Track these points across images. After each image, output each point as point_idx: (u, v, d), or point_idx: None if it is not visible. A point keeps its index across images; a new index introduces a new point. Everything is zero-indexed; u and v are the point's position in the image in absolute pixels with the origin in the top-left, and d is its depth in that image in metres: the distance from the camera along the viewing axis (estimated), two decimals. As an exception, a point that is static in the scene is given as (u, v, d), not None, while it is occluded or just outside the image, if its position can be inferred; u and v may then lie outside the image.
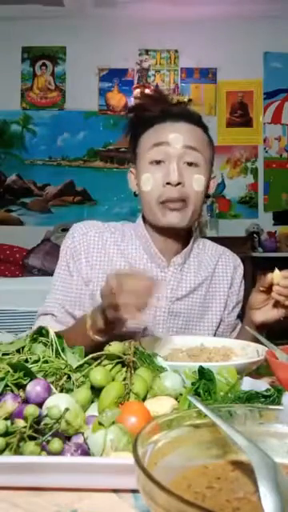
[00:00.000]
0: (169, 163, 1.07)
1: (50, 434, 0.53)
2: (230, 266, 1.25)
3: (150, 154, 1.10)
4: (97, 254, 1.14)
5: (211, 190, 1.18)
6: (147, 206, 1.11)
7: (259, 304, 1.06)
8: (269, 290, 1.03)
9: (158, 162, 1.09)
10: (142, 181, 1.11)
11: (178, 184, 1.06)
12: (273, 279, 1.00)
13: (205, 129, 1.15)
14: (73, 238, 1.15)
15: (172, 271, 1.15)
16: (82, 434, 0.57)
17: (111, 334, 0.91)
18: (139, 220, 1.19)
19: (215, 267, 1.22)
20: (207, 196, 1.16)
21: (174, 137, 1.08)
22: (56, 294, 1.14)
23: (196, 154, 1.09)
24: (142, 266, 1.14)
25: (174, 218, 1.08)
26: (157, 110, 1.13)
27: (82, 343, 0.82)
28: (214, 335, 1.19)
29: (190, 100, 4.51)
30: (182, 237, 1.17)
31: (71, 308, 1.13)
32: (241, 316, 1.26)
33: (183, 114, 1.13)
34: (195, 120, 1.13)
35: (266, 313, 1.06)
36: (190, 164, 1.09)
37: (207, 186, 1.14)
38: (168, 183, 1.06)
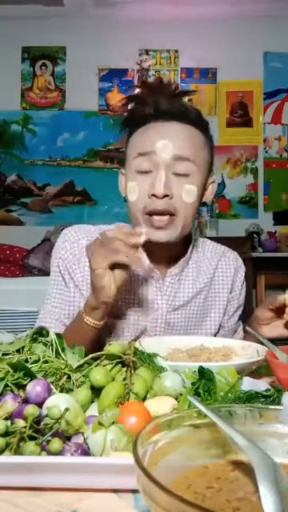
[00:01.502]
0: (156, 173, 0.98)
1: (50, 434, 0.53)
2: (231, 268, 1.19)
3: (135, 162, 1.01)
4: (88, 262, 1.09)
5: (210, 196, 1.10)
6: (133, 216, 1.04)
7: (266, 320, 1.05)
8: (278, 310, 1.02)
9: (145, 172, 1.00)
10: (127, 189, 1.04)
11: (165, 196, 0.97)
12: (285, 300, 0.99)
13: (203, 127, 1.05)
14: (64, 248, 1.10)
15: (169, 281, 1.10)
16: (82, 434, 0.57)
17: (106, 311, 0.94)
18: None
19: (215, 271, 1.18)
20: (203, 204, 1.11)
21: (162, 145, 0.98)
22: (52, 307, 1.10)
23: (187, 164, 0.99)
24: (135, 277, 1.09)
25: (160, 236, 1.00)
26: (152, 101, 1.02)
27: (80, 341, 0.84)
28: None
29: (190, 100, 4.54)
30: (178, 247, 1.10)
31: (69, 320, 1.09)
32: (242, 319, 1.24)
33: (176, 111, 1.02)
34: (191, 119, 1.02)
35: (274, 329, 1.04)
36: (179, 174, 0.99)
37: (202, 194, 1.06)
38: (153, 195, 0.98)
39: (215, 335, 1.19)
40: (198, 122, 1.04)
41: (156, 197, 0.98)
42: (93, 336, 0.97)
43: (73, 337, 0.90)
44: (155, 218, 0.99)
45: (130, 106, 1.08)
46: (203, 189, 1.07)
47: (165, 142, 0.98)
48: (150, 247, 0.99)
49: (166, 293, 1.11)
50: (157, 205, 0.98)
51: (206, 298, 1.17)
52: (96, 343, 0.96)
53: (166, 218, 0.99)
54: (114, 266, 0.90)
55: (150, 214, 1.00)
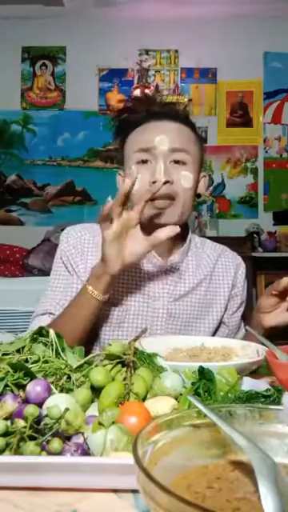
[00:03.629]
0: (155, 163, 1.07)
1: (50, 433, 0.53)
2: (231, 265, 1.23)
3: (136, 155, 1.09)
4: (91, 256, 1.13)
5: (203, 189, 1.17)
6: (135, 204, 1.10)
7: (269, 308, 1.05)
8: (282, 294, 1.02)
9: (145, 162, 1.08)
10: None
11: (166, 182, 1.05)
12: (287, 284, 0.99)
13: (192, 127, 1.13)
14: (67, 242, 1.15)
15: (169, 271, 1.15)
16: (82, 433, 0.57)
17: (109, 284, 0.99)
18: None
19: (214, 266, 1.21)
20: (198, 195, 1.16)
21: (160, 139, 1.07)
22: (54, 294, 1.13)
23: (182, 154, 1.08)
24: (137, 266, 1.13)
25: (162, 217, 1.07)
26: (143, 110, 1.12)
27: (79, 315, 0.93)
28: (213, 336, 1.19)
29: (190, 100, 4.55)
30: (177, 236, 1.14)
31: None
32: (244, 317, 1.25)
33: (168, 112, 1.12)
34: (181, 118, 1.12)
35: (277, 316, 1.05)
36: (177, 162, 1.08)
37: (196, 185, 1.13)
38: (154, 182, 1.05)
39: (216, 331, 1.20)
40: (187, 121, 1.13)
41: (157, 182, 1.05)
42: (92, 311, 1.00)
43: (73, 310, 0.99)
44: (157, 200, 1.05)
45: (124, 114, 1.16)
46: (197, 180, 1.14)
47: (162, 136, 1.07)
48: (151, 231, 1.05)
49: (167, 282, 1.14)
50: (161, 189, 1.05)
51: (207, 291, 1.19)
52: (92, 321, 1.02)
53: (167, 201, 1.06)
54: (124, 239, 0.97)
55: (153, 199, 1.05)
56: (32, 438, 0.53)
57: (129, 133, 1.13)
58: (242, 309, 1.24)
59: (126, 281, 1.13)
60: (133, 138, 1.11)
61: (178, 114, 1.12)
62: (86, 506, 0.50)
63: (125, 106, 1.19)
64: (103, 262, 0.98)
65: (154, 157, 1.07)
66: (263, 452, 0.41)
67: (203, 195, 1.19)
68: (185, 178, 1.08)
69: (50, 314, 1.11)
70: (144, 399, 0.65)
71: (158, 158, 1.06)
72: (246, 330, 1.16)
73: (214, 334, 1.20)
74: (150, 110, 1.12)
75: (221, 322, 1.21)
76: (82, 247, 1.14)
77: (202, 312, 1.18)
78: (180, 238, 1.16)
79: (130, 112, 1.15)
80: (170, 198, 1.06)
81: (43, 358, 0.69)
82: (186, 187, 1.08)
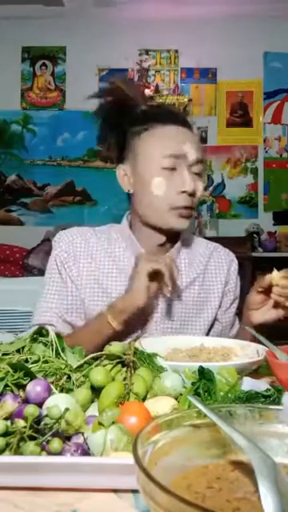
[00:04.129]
0: (181, 171, 1.08)
1: (50, 433, 0.53)
2: (223, 262, 1.24)
3: (165, 161, 1.08)
4: (83, 260, 1.14)
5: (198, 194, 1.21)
6: (155, 209, 1.10)
7: (257, 305, 1.06)
8: (267, 291, 1.03)
9: (173, 169, 1.09)
10: (152, 184, 1.09)
11: (192, 194, 1.09)
12: (272, 280, 1.00)
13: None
14: (60, 247, 1.15)
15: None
16: (82, 433, 0.57)
17: (130, 315, 1.01)
18: (124, 221, 1.19)
19: (207, 264, 1.22)
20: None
21: (188, 148, 1.09)
22: (50, 303, 1.14)
23: (201, 165, 1.12)
24: (130, 267, 1.12)
25: (183, 224, 1.11)
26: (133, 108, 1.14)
27: (94, 342, 0.95)
28: (208, 334, 1.19)
29: (190, 100, 4.55)
30: (173, 237, 1.18)
31: (67, 315, 1.13)
32: (238, 313, 1.25)
33: (182, 117, 1.15)
34: (190, 125, 1.15)
35: (264, 313, 1.06)
36: (196, 174, 1.11)
37: None
38: (183, 192, 1.08)
39: (210, 329, 1.20)
40: (190, 124, 1.16)
41: (186, 193, 1.08)
42: (107, 338, 0.99)
43: (89, 336, 1.00)
44: (184, 210, 1.10)
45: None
46: None
47: (189, 145, 1.10)
48: (159, 233, 1.14)
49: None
50: (186, 201, 1.09)
51: (201, 289, 1.19)
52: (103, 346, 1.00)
53: (190, 210, 1.11)
54: (152, 279, 1.01)
55: (177, 208, 1.09)
56: (32, 438, 0.53)
57: (140, 131, 1.12)
58: (235, 305, 1.25)
59: (119, 282, 1.13)
60: (158, 138, 1.10)
61: (187, 121, 1.15)
62: (86, 506, 0.50)
63: (118, 90, 1.18)
64: (133, 295, 1.00)
65: (179, 165, 1.09)
66: (263, 452, 0.41)
67: (202, 196, 1.21)
68: (200, 190, 1.12)
69: (51, 325, 1.11)
70: (144, 399, 0.65)
71: (185, 167, 1.08)
72: (243, 328, 1.16)
73: (208, 331, 1.20)
74: (166, 108, 1.16)
75: (215, 319, 1.21)
76: (74, 251, 1.14)
77: (197, 310, 1.18)
78: (173, 239, 1.17)
79: (123, 101, 1.15)
80: (192, 208, 1.11)
81: (43, 357, 0.69)
82: (199, 197, 1.13)
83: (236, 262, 1.28)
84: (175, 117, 1.13)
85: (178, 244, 1.18)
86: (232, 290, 1.24)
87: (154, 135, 1.10)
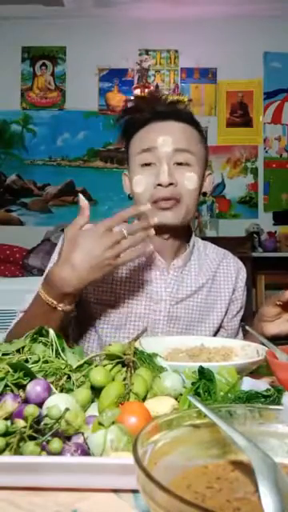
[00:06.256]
0: (159, 165, 1.06)
1: (50, 433, 0.53)
2: (232, 270, 1.23)
3: (139, 157, 1.09)
4: None
5: (208, 188, 1.17)
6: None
7: (272, 317, 1.05)
8: (285, 304, 1.02)
9: (149, 164, 1.08)
10: (133, 182, 1.10)
11: (170, 185, 1.05)
12: None
13: (197, 126, 1.13)
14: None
15: (172, 274, 1.14)
16: (82, 433, 0.56)
17: (72, 290, 0.93)
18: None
19: (216, 270, 1.21)
20: (204, 194, 1.16)
21: (163, 140, 1.07)
22: None
23: (186, 155, 1.07)
24: (141, 269, 1.13)
25: (165, 217, 1.06)
26: (147, 110, 1.11)
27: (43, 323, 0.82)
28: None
29: (190, 100, 4.55)
30: (181, 238, 1.16)
31: None
32: (243, 320, 1.25)
33: (172, 112, 1.11)
34: (185, 118, 1.11)
35: (278, 325, 1.05)
36: (180, 164, 1.07)
37: (201, 184, 1.13)
38: (159, 184, 1.05)
39: (215, 335, 1.19)
40: (191, 120, 1.12)
41: (161, 186, 1.05)
42: (62, 321, 0.95)
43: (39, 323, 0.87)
44: (161, 201, 1.06)
45: (127, 116, 1.16)
46: (202, 179, 1.14)
47: (165, 137, 1.07)
48: (156, 232, 1.03)
49: (170, 285, 1.14)
50: (162, 193, 1.05)
51: (208, 295, 1.19)
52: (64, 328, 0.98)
53: (171, 201, 1.06)
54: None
55: (156, 201, 1.06)
56: (32, 438, 0.53)
57: (133, 133, 1.12)
58: (241, 313, 1.24)
59: (128, 283, 1.12)
60: (136, 139, 1.11)
61: (181, 114, 1.11)
62: (86, 506, 0.50)
63: (127, 105, 1.19)
64: (93, 274, 0.93)
65: (157, 159, 1.07)
66: (263, 452, 0.41)
67: (208, 194, 1.19)
68: (189, 180, 1.07)
69: None
70: (144, 399, 0.65)
71: (162, 160, 1.06)
72: (245, 328, 1.16)
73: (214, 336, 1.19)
74: (154, 109, 1.11)
75: (220, 326, 1.21)
76: None
77: (203, 315, 1.17)
78: (183, 242, 1.17)
79: (133, 111, 1.15)
80: (175, 199, 1.06)
81: (43, 357, 0.69)
82: (190, 189, 1.08)
83: (244, 270, 1.26)
84: (158, 113, 1.10)
85: (189, 248, 1.17)
86: (239, 297, 1.23)
87: (138, 134, 1.11)
